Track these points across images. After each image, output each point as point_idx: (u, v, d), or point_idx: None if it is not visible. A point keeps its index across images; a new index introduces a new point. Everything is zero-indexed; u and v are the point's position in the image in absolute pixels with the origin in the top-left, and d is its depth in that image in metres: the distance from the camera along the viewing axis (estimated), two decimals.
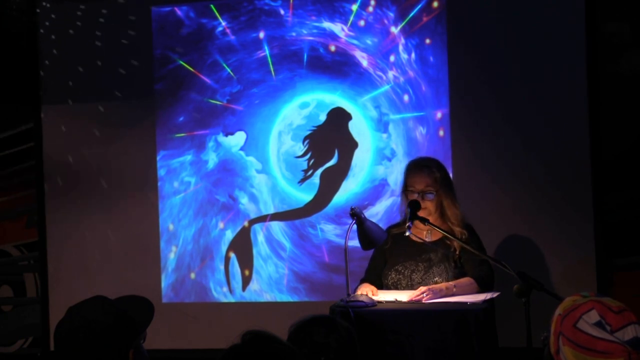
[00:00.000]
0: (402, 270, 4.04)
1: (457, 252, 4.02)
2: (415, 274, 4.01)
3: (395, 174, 5.18)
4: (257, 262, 5.45)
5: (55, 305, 5.64)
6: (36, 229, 5.86)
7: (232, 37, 5.48)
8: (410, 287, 3.97)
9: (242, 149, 5.49)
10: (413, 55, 5.19)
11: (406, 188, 4.06)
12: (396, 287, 4.02)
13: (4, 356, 5.93)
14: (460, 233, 4.00)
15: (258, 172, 5.47)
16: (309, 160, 5.41)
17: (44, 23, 5.80)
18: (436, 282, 3.93)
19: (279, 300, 5.41)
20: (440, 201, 4.03)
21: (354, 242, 4.01)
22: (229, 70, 5.49)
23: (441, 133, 5.15)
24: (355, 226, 3.89)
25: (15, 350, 5.96)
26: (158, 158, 5.61)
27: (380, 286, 4.05)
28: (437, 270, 3.99)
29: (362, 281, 4.12)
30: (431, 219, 3.96)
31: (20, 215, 6.01)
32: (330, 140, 5.38)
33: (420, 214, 3.93)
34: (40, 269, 5.82)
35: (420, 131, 5.19)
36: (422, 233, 4.06)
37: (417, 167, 4.08)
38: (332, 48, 5.32)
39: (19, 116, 5.96)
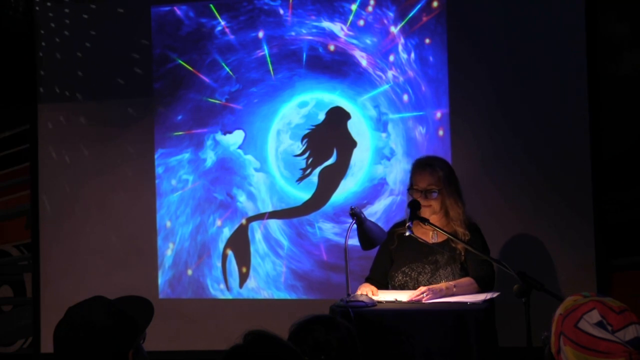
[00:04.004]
0: (409, 272, 4.03)
1: (463, 254, 4.01)
2: (422, 276, 4.00)
3: (394, 174, 5.18)
4: (255, 259, 5.45)
5: (52, 304, 5.63)
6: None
7: (232, 37, 5.47)
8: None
9: (240, 147, 5.48)
10: (413, 55, 5.18)
11: (411, 186, 4.07)
12: (403, 288, 4.00)
13: (4, 356, 5.92)
14: (462, 234, 3.99)
15: (256, 170, 5.46)
16: (307, 159, 5.40)
17: (43, 23, 5.79)
18: None
19: (276, 297, 5.41)
20: (444, 200, 4.03)
21: (353, 242, 4.01)
22: (228, 69, 5.48)
23: (441, 133, 5.15)
24: (355, 226, 3.88)
25: (15, 350, 5.94)
26: (156, 156, 5.60)
27: (386, 285, 4.06)
28: (443, 272, 3.98)
29: (367, 279, 4.12)
30: (436, 218, 3.97)
31: (20, 215, 6.00)
32: (329, 139, 5.37)
33: (425, 212, 3.94)
34: (33, 269, 5.80)
35: (419, 131, 5.19)
36: (428, 234, 4.06)
37: (421, 166, 4.09)
38: (332, 48, 5.31)
39: (19, 115, 5.95)
